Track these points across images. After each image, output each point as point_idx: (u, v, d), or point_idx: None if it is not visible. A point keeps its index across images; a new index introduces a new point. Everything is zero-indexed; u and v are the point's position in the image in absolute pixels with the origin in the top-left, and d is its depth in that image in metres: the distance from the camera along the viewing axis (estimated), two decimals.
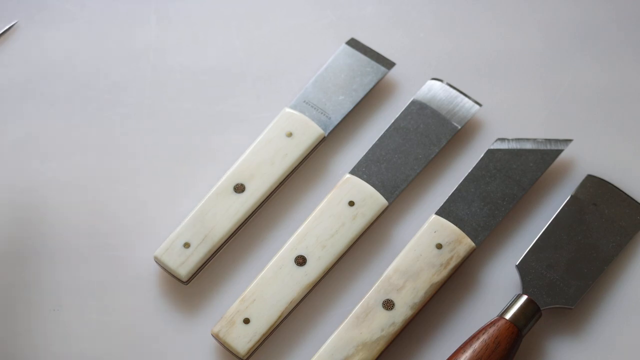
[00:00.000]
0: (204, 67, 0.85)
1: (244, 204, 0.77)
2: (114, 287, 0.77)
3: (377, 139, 0.80)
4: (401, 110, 0.81)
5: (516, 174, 0.79)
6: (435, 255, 0.76)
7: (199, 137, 0.82)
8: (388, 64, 0.83)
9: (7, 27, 0.85)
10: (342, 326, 0.74)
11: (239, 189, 0.78)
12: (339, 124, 0.81)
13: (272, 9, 0.87)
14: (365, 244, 0.79)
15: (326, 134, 0.80)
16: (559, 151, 0.80)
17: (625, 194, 0.79)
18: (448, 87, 0.82)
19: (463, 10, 0.87)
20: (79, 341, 0.76)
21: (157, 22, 0.86)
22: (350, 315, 0.74)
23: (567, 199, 0.79)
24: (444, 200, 0.78)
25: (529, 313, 0.74)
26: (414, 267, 0.75)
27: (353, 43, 0.84)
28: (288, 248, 0.76)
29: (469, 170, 0.79)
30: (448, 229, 0.76)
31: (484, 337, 0.73)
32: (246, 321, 0.74)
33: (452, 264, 0.75)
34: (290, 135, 0.79)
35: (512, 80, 0.84)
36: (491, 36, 0.86)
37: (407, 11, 0.87)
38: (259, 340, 0.74)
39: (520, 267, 0.76)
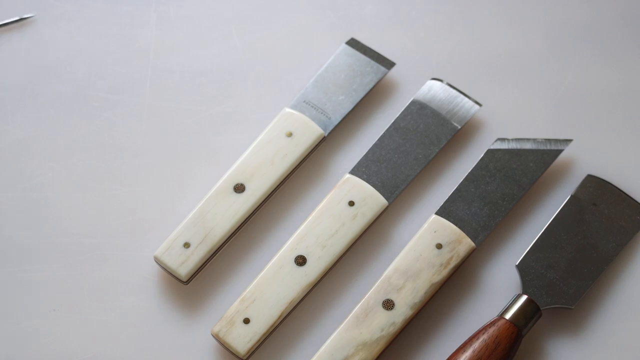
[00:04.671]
0: (204, 67, 0.85)
1: (244, 204, 0.77)
2: (114, 287, 0.77)
3: (377, 139, 0.80)
4: (401, 110, 0.81)
5: (516, 174, 0.79)
6: (435, 255, 0.76)
7: (199, 137, 0.82)
8: (388, 64, 0.83)
9: (9, 20, 0.85)
10: (342, 326, 0.74)
11: (239, 189, 0.78)
12: (339, 124, 0.81)
13: (272, 9, 0.87)
14: (365, 244, 0.79)
15: (326, 134, 0.80)
16: (559, 151, 0.80)
17: (625, 194, 0.79)
18: (448, 87, 0.82)
19: (463, 10, 0.87)
20: (79, 341, 0.76)
21: (157, 22, 0.86)
22: (350, 315, 0.74)
23: (567, 199, 0.79)
24: (444, 200, 0.78)
25: (529, 313, 0.74)
26: (414, 267, 0.75)
27: (353, 43, 0.84)
28: (288, 248, 0.76)
29: (469, 170, 0.79)
30: (448, 229, 0.76)
31: (484, 337, 0.73)
32: (246, 321, 0.74)
33: (452, 264, 0.75)
34: (290, 135, 0.79)
35: (512, 80, 0.84)
36: (491, 36, 0.86)
37: (407, 11, 0.87)
38: (259, 340, 0.74)
39: (520, 267, 0.76)
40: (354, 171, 0.79)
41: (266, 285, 0.75)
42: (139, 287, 0.77)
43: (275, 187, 0.78)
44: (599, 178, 0.80)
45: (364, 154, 0.80)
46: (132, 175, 0.81)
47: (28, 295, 0.77)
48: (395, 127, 0.81)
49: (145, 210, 0.79)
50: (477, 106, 0.82)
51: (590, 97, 0.84)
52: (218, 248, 0.77)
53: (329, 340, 0.74)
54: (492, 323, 0.73)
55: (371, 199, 0.77)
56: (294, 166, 0.79)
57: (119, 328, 0.76)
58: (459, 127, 0.81)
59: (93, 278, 0.77)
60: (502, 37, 0.86)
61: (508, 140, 0.80)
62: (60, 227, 0.79)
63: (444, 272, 0.75)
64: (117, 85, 0.84)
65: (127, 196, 0.80)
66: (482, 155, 0.80)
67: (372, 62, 0.83)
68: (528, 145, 0.80)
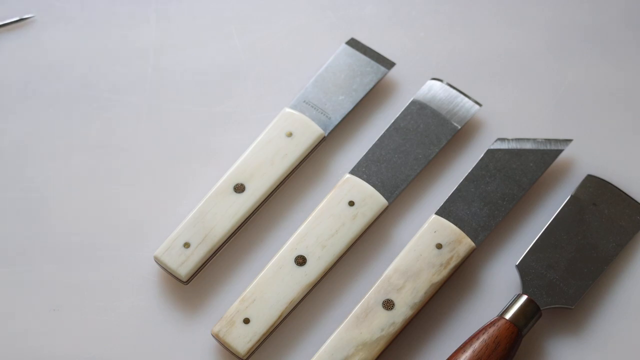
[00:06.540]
0: (204, 67, 0.85)
1: (244, 204, 0.77)
2: (114, 287, 0.77)
3: (377, 139, 0.80)
4: (401, 110, 0.81)
5: (516, 174, 0.79)
6: (435, 255, 0.76)
7: (199, 137, 0.82)
8: (388, 64, 0.83)
9: (10, 21, 0.85)
10: (342, 326, 0.74)
11: (239, 189, 0.78)
12: (339, 124, 0.81)
13: (272, 9, 0.87)
14: (365, 244, 0.79)
15: (326, 134, 0.80)
16: (559, 151, 0.80)
17: (625, 194, 0.79)
18: (448, 87, 0.82)
19: (463, 10, 0.87)
20: (79, 341, 0.76)
21: (157, 22, 0.86)
22: (350, 315, 0.74)
23: (567, 199, 0.79)
24: (444, 200, 0.78)
25: (529, 313, 0.74)
26: (414, 267, 0.75)
27: (353, 43, 0.84)
28: (288, 248, 0.76)
29: (469, 170, 0.79)
30: (448, 229, 0.76)
31: (484, 337, 0.73)
32: (246, 321, 0.74)
33: (452, 264, 0.75)
34: (290, 135, 0.79)
35: (512, 80, 0.84)
36: (491, 36, 0.86)
37: (407, 11, 0.87)
38: (259, 340, 0.74)
39: (520, 267, 0.76)
40: (354, 171, 0.79)
41: (266, 285, 0.75)
42: (139, 287, 0.77)
43: (275, 187, 0.78)
44: (599, 178, 0.80)
45: (364, 154, 0.80)
46: (132, 175, 0.81)
47: (28, 295, 0.77)
48: (395, 127, 0.81)
49: (145, 210, 0.79)
50: (477, 106, 0.82)
51: (590, 97, 0.84)
52: (218, 248, 0.77)
53: (329, 340, 0.74)
54: (492, 323, 0.73)
55: (371, 199, 0.77)
56: (294, 166, 0.79)
57: (119, 328, 0.76)
58: (459, 127, 0.81)
59: (93, 278, 0.77)
60: (502, 37, 0.86)
61: (508, 140, 0.80)
62: (60, 227, 0.79)
63: (444, 272, 0.75)
64: (117, 85, 0.84)
65: (127, 196, 0.80)
66: (482, 155, 0.80)
67: (372, 62, 0.83)
68: (528, 145, 0.80)
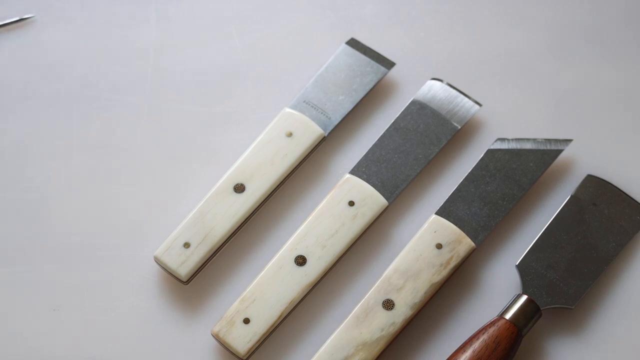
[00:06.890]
0: (204, 67, 0.85)
1: (244, 204, 0.77)
2: (114, 287, 0.77)
3: (377, 139, 0.80)
4: (401, 110, 0.81)
5: (516, 174, 0.79)
6: (435, 255, 0.76)
7: (199, 137, 0.82)
8: (388, 64, 0.83)
9: (10, 21, 0.85)
10: (342, 326, 0.74)
11: (239, 189, 0.78)
12: (339, 124, 0.81)
13: (272, 9, 0.87)
14: (365, 244, 0.79)
15: (326, 134, 0.80)
16: (559, 151, 0.80)
17: (625, 194, 0.79)
18: (448, 87, 0.82)
19: (463, 10, 0.87)
20: (79, 341, 0.76)
21: (157, 22, 0.86)
22: (350, 315, 0.74)
23: (567, 199, 0.79)
24: (444, 200, 0.78)
25: (529, 313, 0.74)
26: (414, 267, 0.75)
27: (353, 43, 0.84)
28: (288, 248, 0.76)
29: (469, 170, 0.79)
30: (448, 229, 0.76)
31: (484, 337, 0.73)
32: (246, 321, 0.74)
33: (452, 264, 0.75)
34: (290, 135, 0.79)
35: (512, 80, 0.84)
36: (491, 36, 0.86)
37: (407, 11, 0.87)
38: (259, 340, 0.74)
39: (520, 267, 0.76)
40: (354, 171, 0.79)
41: (266, 285, 0.75)
42: (139, 287, 0.77)
43: (275, 187, 0.78)
44: (599, 178, 0.80)
45: (364, 154, 0.80)
46: (132, 175, 0.81)
47: (28, 295, 0.77)
48: (395, 127, 0.81)
49: (145, 210, 0.79)
50: (477, 106, 0.82)
51: (590, 97, 0.84)
52: (218, 248, 0.77)
53: (329, 340, 0.74)
54: (492, 323, 0.73)
55: (371, 199, 0.77)
56: (294, 166, 0.79)
57: (119, 328, 0.76)
58: (459, 127, 0.81)
59: (93, 278, 0.77)
60: (502, 37, 0.86)
61: (508, 140, 0.80)
62: (60, 227, 0.79)
63: (444, 272, 0.75)
64: (117, 85, 0.84)
65: (127, 196, 0.80)
66: (482, 155, 0.80)
67: (372, 62, 0.83)
68: (528, 145, 0.80)
